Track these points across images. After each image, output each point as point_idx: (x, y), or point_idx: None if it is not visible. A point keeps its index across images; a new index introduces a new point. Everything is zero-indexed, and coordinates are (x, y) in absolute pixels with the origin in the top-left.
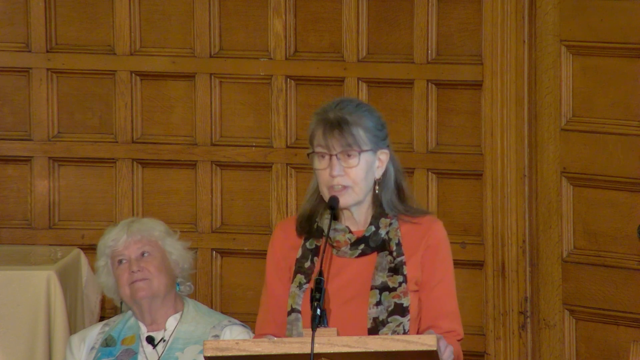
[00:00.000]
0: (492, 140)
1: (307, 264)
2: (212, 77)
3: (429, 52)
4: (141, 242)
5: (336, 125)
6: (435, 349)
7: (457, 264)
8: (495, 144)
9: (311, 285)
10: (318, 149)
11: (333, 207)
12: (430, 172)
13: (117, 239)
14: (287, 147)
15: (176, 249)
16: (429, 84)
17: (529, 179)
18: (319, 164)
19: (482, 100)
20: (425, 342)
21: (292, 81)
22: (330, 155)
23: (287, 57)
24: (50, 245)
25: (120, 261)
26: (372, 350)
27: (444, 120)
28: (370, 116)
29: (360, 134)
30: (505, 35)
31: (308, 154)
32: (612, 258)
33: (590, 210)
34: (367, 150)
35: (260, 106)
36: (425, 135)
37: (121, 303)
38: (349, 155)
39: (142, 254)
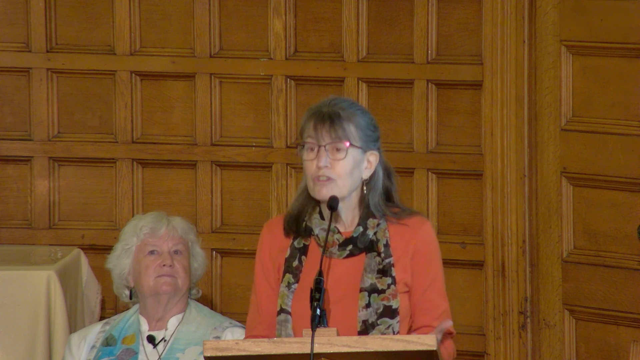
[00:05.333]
0: (492, 140)
1: (295, 263)
2: (212, 77)
3: (429, 52)
4: (178, 239)
5: (327, 118)
6: (435, 349)
7: (457, 264)
8: (495, 144)
9: (303, 286)
10: (307, 140)
11: (333, 208)
12: (430, 172)
13: (156, 229)
14: (287, 147)
15: (199, 256)
16: (429, 84)
17: (529, 179)
18: (307, 155)
19: (482, 100)
20: (425, 342)
21: (292, 81)
22: (319, 147)
23: (287, 57)
24: (50, 245)
25: (152, 251)
26: (372, 350)
27: (444, 120)
28: (363, 115)
29: (351, 129)
30: (505, 35)
31: (297, 145)
32: (612, 258)
33: (590, 210)
34: (355, 147)
35: (260, 106)
36: (425, 135)
37: (130, 292)
38: (337, 149)
39: (176, 252)
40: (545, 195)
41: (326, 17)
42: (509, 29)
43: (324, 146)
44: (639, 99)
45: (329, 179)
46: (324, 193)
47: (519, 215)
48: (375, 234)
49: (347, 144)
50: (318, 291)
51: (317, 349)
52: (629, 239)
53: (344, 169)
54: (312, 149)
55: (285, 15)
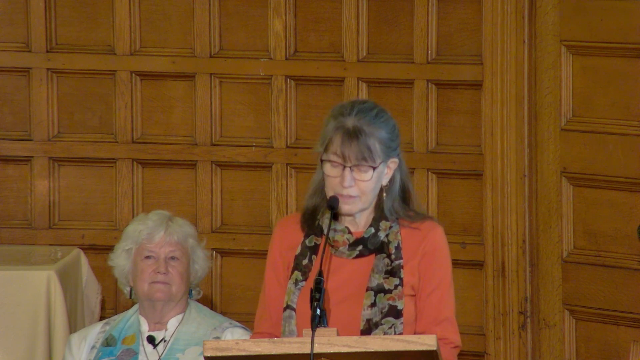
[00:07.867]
0: (492, 140)
1: (305, 262)
2: (212, 77)
3: (429, 52)
4: (175, 246)
5: (354, 136)
6: (435, 349)
7: (457, 264)
8: (495, 144)
9: (310, 284)
10: (333, 158)
11: (333, 207)
12: (430, 172)
13: (153, 234)
14: (287, 147)
15: (200, 259)
16: (429, 84)
17: (529, 179)
18: (331, 171)
19: (482, 100)
20: (425, 342)
21: (292, 81)
22: (344, 167)
23: (287, 57)
24: (50, 245)
25: (148, 257)
26: (372, 350)
27: (444, 120)
28: (387, 127)
29: (376, 147)
30: (505, 35)
31: (321, 159)
32: (612, 258)
33: (590, 210)
34: (380, 164)
35: (260, 106)
36: (425, 135)
37: (130, 290)
38: (362, 170)
39: (172, 258)
40: (545, 195)
41: (326, 17)
42: (509, 29)
43: (350, 167)
44: (639, 99)
45: (351, 196)
46: (346, 209)
47: (519, 215)
48: (387, 235)
49: (373, 167)
50: (318, 291)
51: (317, 349)
52: (629, 239)
53: (367, 187)
54: (335, 166)
55: (285, 15)
